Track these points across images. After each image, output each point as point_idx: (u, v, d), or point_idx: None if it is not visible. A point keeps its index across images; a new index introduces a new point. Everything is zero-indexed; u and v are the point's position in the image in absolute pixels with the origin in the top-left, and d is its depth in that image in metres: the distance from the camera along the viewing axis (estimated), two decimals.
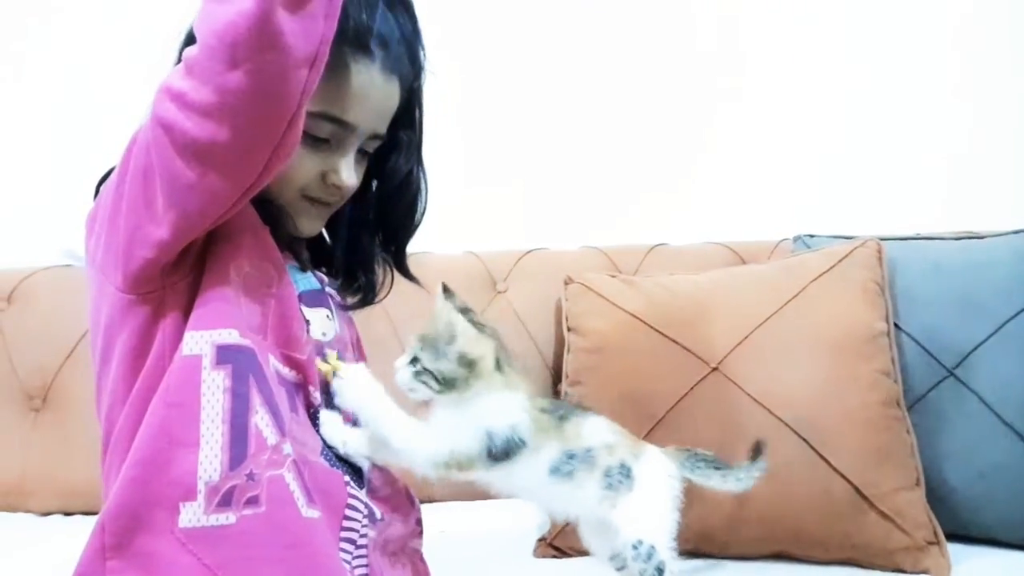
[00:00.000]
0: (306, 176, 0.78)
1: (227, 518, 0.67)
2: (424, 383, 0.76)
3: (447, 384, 0.75)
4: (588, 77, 1.62)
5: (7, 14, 1.66)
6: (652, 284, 1.27)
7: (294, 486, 0.69)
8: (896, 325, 1.19)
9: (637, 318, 1.20)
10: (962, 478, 1.13)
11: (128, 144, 0.71)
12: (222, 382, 0.69)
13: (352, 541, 0.75)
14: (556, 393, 1.34)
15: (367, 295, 0.93)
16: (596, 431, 0.80)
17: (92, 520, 1.30)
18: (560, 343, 1.32)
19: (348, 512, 0.75)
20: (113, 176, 0.72)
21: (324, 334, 0.81)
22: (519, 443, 0.76)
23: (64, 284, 1.45)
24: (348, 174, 0.80)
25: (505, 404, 0.76)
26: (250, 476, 0.68)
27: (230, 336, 0.70)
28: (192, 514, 0.66)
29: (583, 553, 1.12)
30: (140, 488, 0.66)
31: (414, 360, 0.77)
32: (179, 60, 0.76)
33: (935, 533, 1.06)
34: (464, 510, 1.26)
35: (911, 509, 1.06)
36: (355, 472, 0.79)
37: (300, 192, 0.80)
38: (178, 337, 0.70)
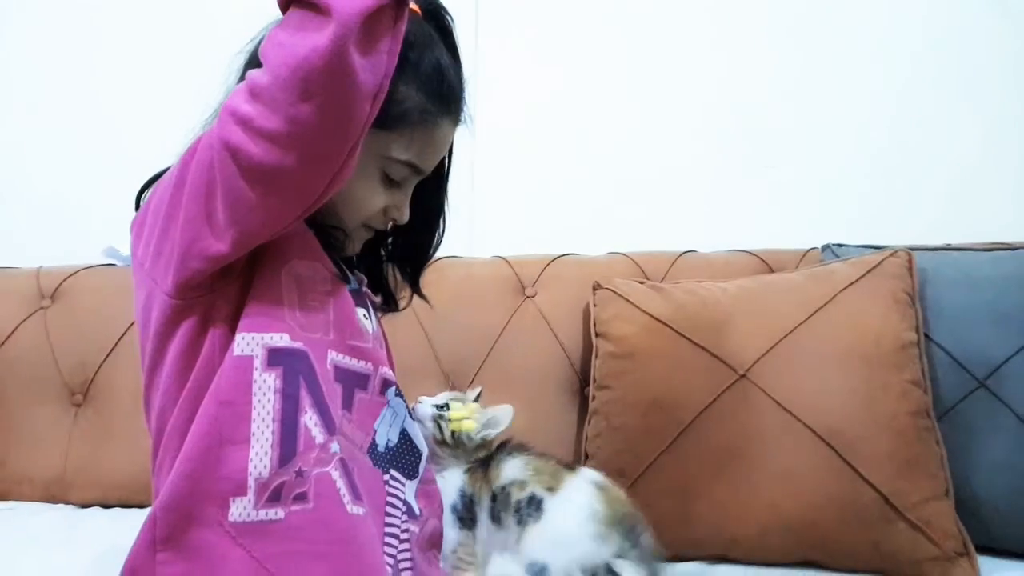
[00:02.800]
0: (374, 209, 0.84)
1: (276, 513, 0.69)
2: (438, 426, 0.87)
3: (451, 443, 0.86)
4: (617, 83, 1.64)
5: (56, 16, 1.72)
6: (680, 291, 1.27)
7: (340, 483, 0.72)
8: (927, 336, 1.18)
9: (665, 324, 1.21)
10: (992, 490, 1.12)
11: (185, 154, 0.73)
12: (273, 383, 0.72)
13: (395, 536, 0.77)
14: (584, 398, 1.35)
15: (389, 304, 1.00)
16: (511, 469, 0.84)
17: (130, 512, 1.36)
18: (588, 348, 1.33)
19: (388, 509, 0.78)
20: (167, 184, 0.75)
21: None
22: (469, 499, 0.86)
23: (106, 282, 1.50)
24: (407, 210, 0.87)
25: (456, 477, 0.87)
26: (299, 473, 0.70)
27: (281, 340, 0.73)
28: (242, 508, 0.68)
29: None
30: (192, 483, 0.68)
31: (443, 406, 0.88)
32: (241, 77, 0.80)
33: (964, 544, 1.06)
34: None
35: (940, 520, 1.06)
36: (410, 464, 0.82)
37: (363, 222, 0.85)
38: (228, 339, 0.72)
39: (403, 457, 0.82)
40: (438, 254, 1.48)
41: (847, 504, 1.06)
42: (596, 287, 1.33)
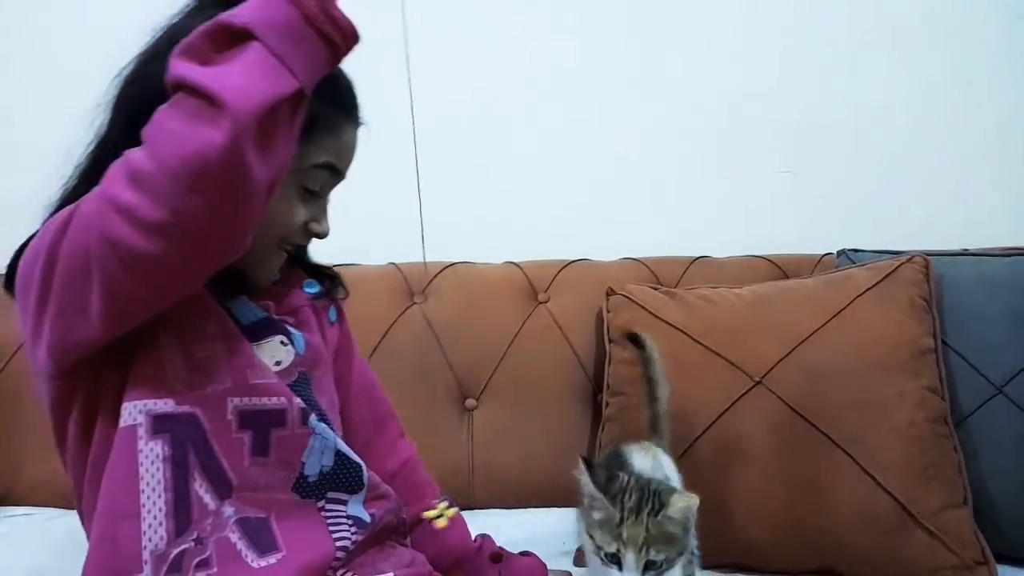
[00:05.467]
0: (293, 227, 0.79)
1: None
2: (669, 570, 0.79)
3: (683, 552, 0.80)
4: (631, 87, 1.63)
5: (72, 23, 1.73)
6: (695, 297, 1.27)
7: (240, 544, 0.71)
8: (944, 342, 1.17)
9: (680, 330, 1.20)
10: (1011, 498, 1.11)
11: (52, 226, 0.67)
12: (160, 451, 0.70)
13: (346, 549, 0.76)
14: (596, 404, 1.35)
15: (335, 287, 0.95)
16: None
17: None
18: (601, 354, 1.32)
19: (332, 529, 0.76)
20: (35, 259, 0.68)
21: (278, 363, 0.80)
22: None
23: None
24: (327, 222, 0.82)
25: None
26: (197, 540, 0.69)
27: (166, 405, 0.71)
28: None
29: None
30: (97, 567, 0.68)
31: (651, 565, 0.79)
32: (118, 114, 0.75)
33: (983, 553, 1.05)
34: (504, 517, 1.27)
35: (958, 528, 1.05)
36: (352, 479, 0.80)
37: (279, 242, 0.80)
38: (115, 409, 0.71)
39: (342, 476, 0.80)
40: (452, 258, 1.50)
41: (864, 511, 1.05)
42: (610, 293, 1.33)
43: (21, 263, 0.71)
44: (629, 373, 1.23)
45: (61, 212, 0.68)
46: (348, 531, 0.77)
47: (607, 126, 1.63)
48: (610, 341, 1.28)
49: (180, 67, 0.60)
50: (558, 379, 1.38)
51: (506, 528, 1.19)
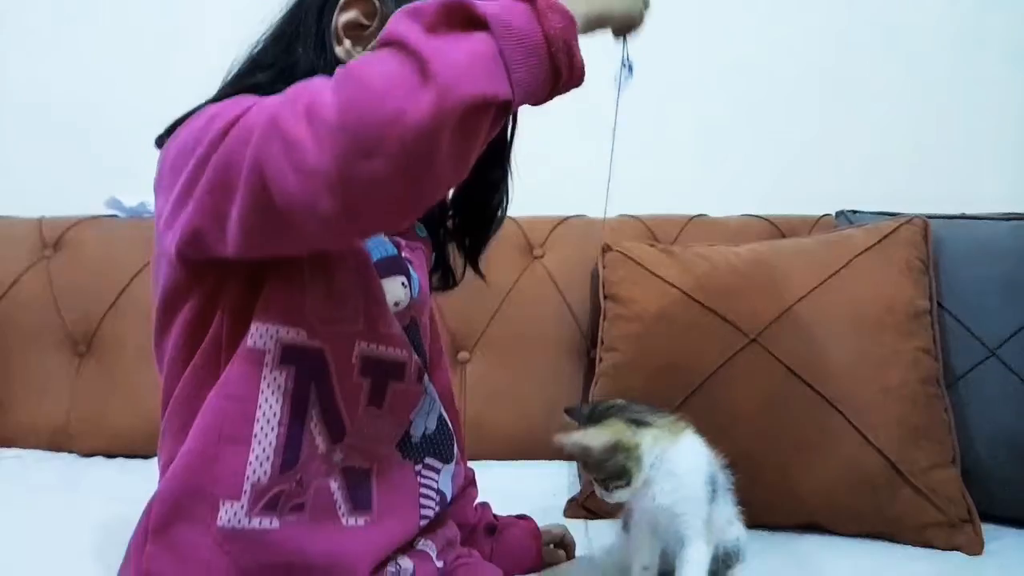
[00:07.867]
0: None
1: (270, 522, 0.66)
2: (617, 488, 0.79)
3: (625, 476, 0.79)
4: (629, 43, 1.60)
5: None
6: (691, 254, 1.26)
7: (338, 495, 0.69)
8: (939, 304, 1.17)
9: (676, 287, 1.19)
10: (999, 458, 1.12)
11: (216, 117, 0.62)
12: (283, 383, 0.67)
13: (427, 519, 0.76)
14: (590, 360, 1.35)
15: (447, 281, 0.93)
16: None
17: (133, 462, 1.36)
18: (596, 310, 1.32)
19: (422, 500, 0.76)
20: (188, 148, 0.63)
21: (396, 304, 0.77)
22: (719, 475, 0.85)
23: (109, 233, 1.49)
24: None
25: (689, 448, 0.83)
26: (299, 482, 0.67)
27: (298, 336, 0.68)
28: (233, 514, 0.65)
29: (613, 515, 1.14)
30: (186, 478, 0.65)
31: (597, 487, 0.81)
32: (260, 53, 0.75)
33: (969, 511, 1.06)
34: (494, 469, 1.27)
35: (945, 486, 1.06)
36: (447, 447, 0.80)
37: None
38: (237, 319, 0.67)
39: (440, 442, 0.79)
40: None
41: (854, 469, 1.06)
42: (606, 249, 1.32)
43: (178, 142, 0.66)
44: (623, 329, 1.23)
45: (236, 103, 0.62)
46: (433, 505, 0.76)
47: (603, 82, 1.60)
48: (605, 297, 1.28)
49: (403, 25, 0.55)
50: (552, 334, 1.38)
51: (497, 481, 1.19)
